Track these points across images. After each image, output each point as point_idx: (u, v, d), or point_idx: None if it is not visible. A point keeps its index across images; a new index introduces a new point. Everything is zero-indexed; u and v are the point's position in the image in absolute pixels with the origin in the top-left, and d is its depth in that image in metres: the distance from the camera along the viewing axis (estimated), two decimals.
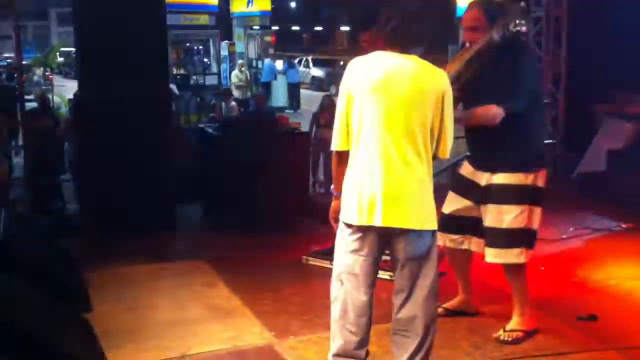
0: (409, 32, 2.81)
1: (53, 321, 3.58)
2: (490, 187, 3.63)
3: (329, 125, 10.23)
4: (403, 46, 2.80)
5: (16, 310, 3.24)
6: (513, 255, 3.64)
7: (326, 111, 10.07)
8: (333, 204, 3.01)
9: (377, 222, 2.75)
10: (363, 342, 2.92)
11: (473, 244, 3.83)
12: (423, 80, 2.77)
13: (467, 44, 3.57)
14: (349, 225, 2.83)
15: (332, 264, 4.59)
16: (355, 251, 2.83)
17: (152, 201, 5.89)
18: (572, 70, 8.87)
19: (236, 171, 6.24)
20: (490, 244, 3.67)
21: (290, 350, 3.68)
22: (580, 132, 8.50)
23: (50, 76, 24.54)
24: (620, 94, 8.31)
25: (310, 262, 5.12)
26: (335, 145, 2.89)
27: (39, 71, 24.48)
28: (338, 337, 2.93)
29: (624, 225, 6.19)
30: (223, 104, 13.40)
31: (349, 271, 2.86)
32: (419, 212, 2.79)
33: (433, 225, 2.86)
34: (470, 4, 3.64)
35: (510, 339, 3.73)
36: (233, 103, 13.21)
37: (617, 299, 4.50)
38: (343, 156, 2.88)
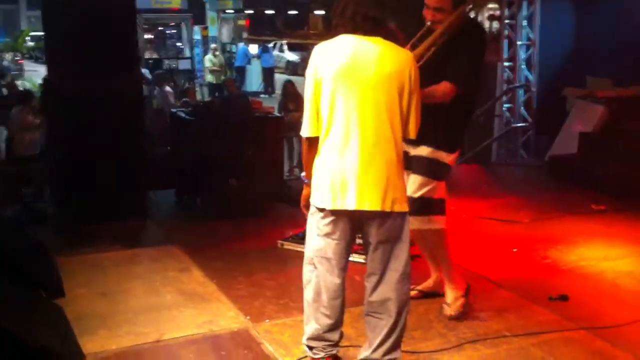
0: (367, 17, 2.78)
1: (24, 309, 3.53)
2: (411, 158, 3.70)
3: (299, 109, 10.37)
4: (365, 30, 2.79)
5: None
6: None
7: (289, 96, 10.09)
8: (304, 191, 3.01)
9: (350, 205, 2.76)
10: (337, 325, 2.95)
11: None
12: (389, 61, 2.77)
13: (428, 23, 3.54)
14: (320, 210, 2.84)
15: None
16: (327, 235, 2.85)
17: (124, 187, 5.82)
18: (544, 55, 8.95)
19: (209, 156, 6.19)
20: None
21: (266, 333, 3.68)
22: (553, 116, 8.59)
23: (21, 61, 24.16)
24: (592, 78, 8.41)
25: (286, 247, 5.12)
26: (306, 131, 2.88)
27: (8, 56, 24.07)
28: (312, 320, 2.96)
29: (595, 207, 6.28)
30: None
31: (321, 255, 2.88)
32: (391, 195, 2.79)
33: (405, 207, 2.87)
34: None
35: (455, 312, 3.81)
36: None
37: (588, 279, 4.56)
38: (313, 142, 2.88)
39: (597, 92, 8.14)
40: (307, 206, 2.97)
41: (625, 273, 4.66)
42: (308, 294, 2.96)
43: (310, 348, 3.02)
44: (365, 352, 2.99)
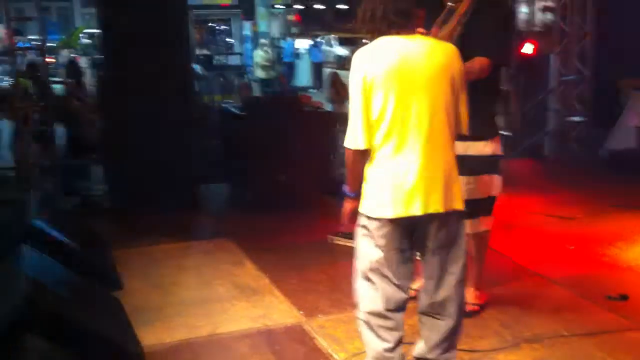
0: (398, 11, 2.67)
1: (85, 300, 3.62)
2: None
3: (345, 100, 10.26)
4: (399, 26, 2.67)
5: (47, 290, 3.27)
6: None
7: (336, 87, 10.05)
8: (347, 205, 2.85)
9: (414, 211, 2.63)
10: (399, 341, 2.78)
11: None
12: (437, 57, 2.68)
13: (449, 4, 3.47)
14: (377, 219, 2.67)
15: None
16: (386, 245, 2.68)
17: (178, 180, 5.92)
18: (598, 46, 8.72)
19: (260, 150, 6.23)
20: None
21: (319, 329, 3.68)
22: (608, 108, 8.37)
23: (78, 58, 24.70)
24: None
25: (336, 242, 5.11)
26: (355, 142, 2.67)
27: (64, 53, 24.62)
28: (374, 340, 2.77)
29: None
30: None
31: (380, 267, 2.70)
32: (450, 194, 2.69)
33: (462, 204, 2.76)
34: None
35: (467, 310, 3.64)
36: None
37: None
38: (363, 154, 2.70)
39: None
40: (350, 220, 2.83)
41: None
42: (366, 310, 2.77)
43: None
44: (420, 350, 2.91)
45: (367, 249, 2.72)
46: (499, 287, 4.23)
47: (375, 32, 2.72)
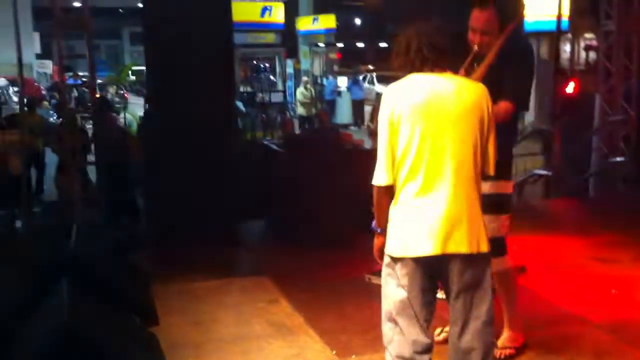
0: (433, 46, 2.68)
1: (122, 335, 3.66)
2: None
3: None
4: (433, 62, 2.68)
5: (85, 323, 3.31)
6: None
7: (375, 122, 10.08)
8: (377, 241, 2.86)
9: (436, 250, 2.60)
10: None
11: None
12: (467, 96, 2.68)
13: (475, 47, 3.45)
14: (400, 259, 2.67)
15: None
16: (409, 285, 2.67)
17: (217, 216, 5.98)
18: None
19: (299, 187, 6.26)
20: None
21: None
22: None
23: (126, 94, 25.41)
24: None
25: (373, 281, 5.08)
26: (380, 179, 2.70)
27: (112, 89, 25.34)
28: None
29: None
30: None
31: (403, 308, 2.69)
32: (475, 235, 2.65)
33: (487, 246, 2.71)
34: (483, 7, 3.45)
35: (502, 357, 3.64)
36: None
37: None
38: (388, 190, 2.71)
39: None
40: (380, 257, 2.82)
41: None
42: (394, 355, 2.74)
43: None
44: None
45: (392, 289, 2.72)
46: (539, 331, 4.13)
47: (408, 67, 2.73)
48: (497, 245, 3.40)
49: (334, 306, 4.60)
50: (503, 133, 3.33)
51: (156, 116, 6.32)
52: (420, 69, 2.70)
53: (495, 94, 3.29)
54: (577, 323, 4.24)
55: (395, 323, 2.72)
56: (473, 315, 2.71)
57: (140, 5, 7.88)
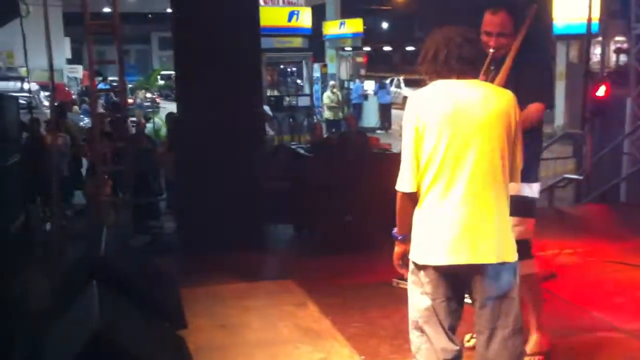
0: (460, 57, 2.63)
1: (151, 338, 3.69)
2: None
3: None
4: (460, 72, 2.65)
5: (115, 327, 3.35)
6: None
7: None
8: (397, 248, 2.82)
9: (462, 259, 2.56)
10: None
11: None
12: (494, 103, 2.62)
13: (491, 51, 3.38)
14: (424, 267, 2.64)
15: None
16: (434, 293, 2.64)
17: (245, 220, 6.00)
18: None
19: (326, 191, 6.26)
20: None
21: None
22: None
23: (158, 98, 25.67)
24: None
25: (401, 286, 5.06)
26: (403, 186, 2.66)
27: (141, 94, 25.61)
28: None
29: None
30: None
31: (429, 316, 2.66)
32: (504, 244, 2.61)
33: (515, 256, 2.67)
34: (497, 9, 3.42)
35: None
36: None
37: None
38: (411, 197, 2.67)
39: None
40: (401, 265, 2.80)
41: None
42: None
43: None
44: None
45: (417, 296, 2.70)
46: (569, 337, 4.08)
47: (434, 74, 2.70)
48: (523, 249, 3.31)
49: (361, 311, 4.58)
50: (527, 134, 3.28)
51: (185, 121, 6.37)
52: (447, 76, 2.67)
53: (524, 96, 3.23)
54: (608, 329, 4.17)
55: (422, 331, 2.69)
56: (500, 325, 2.66)
57: (169, 10, 7.94)
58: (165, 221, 8.02)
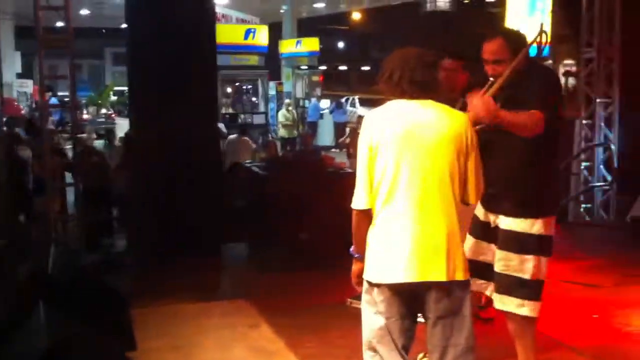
0: (413, 81, 2.68)
1: (97, 358, 3.59)
2: (497, 230, 3.44)
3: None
4: (412, 94, 2.69)
5: (62, 348, 3.25)
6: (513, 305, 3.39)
7: (354, 141, 10.12)
8: (355, 266, 2.84)
9: (412, 277, 2.58)
10: None
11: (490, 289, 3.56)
12: (445, 125, 2.67)
13: (491, 79, 3.37)
14: (377, 285, 2.64)
15: None
16: (387, 312, 2.64)
17: (199, 238, 5.93)
18: (624, 111, 8.71)
19: (281, 210, 6.24)
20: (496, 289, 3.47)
21: None
22: (635, 174, 8.30)
23: (113, 115, 25.32)
24: None
25: (355, 305, 5.04)
26: (357, 203, 2.70)
27: (92, 110, 25.21)
28: None
29: None
30: None
31: (382, 335, 2.66)
32: (452, 263, 2.62)
33: (466, 275, 2.68)
34: (492, 36, 3.40)
35: None
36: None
37: None
38: (366, 215, 2.70)
39: None
40: (359, 283, 2.79)
41: None
42: None
43: None
44: None
45: (370, 316, 2.69)
46: None
47: (390, 94, 2.74)
48: (517, 286, 3.34)
49: (315, 331, 4.55)
50: (527, 164, 3.28)
51: (138, 137, 6.28)
52: (400, 97, 2.71)
53: (521, 105, 3.19)
54: (559, 349, 4.22)
55: (375, 351, 2.69)
56: (452, 343, 2.67)
57: (124, 25, 7.86)
58: (118, 239, 7.87)
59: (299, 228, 6.24)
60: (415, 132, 2.63)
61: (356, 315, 4.84)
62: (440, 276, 2.59)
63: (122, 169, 7.81)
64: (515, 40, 3.37)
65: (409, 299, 2.65)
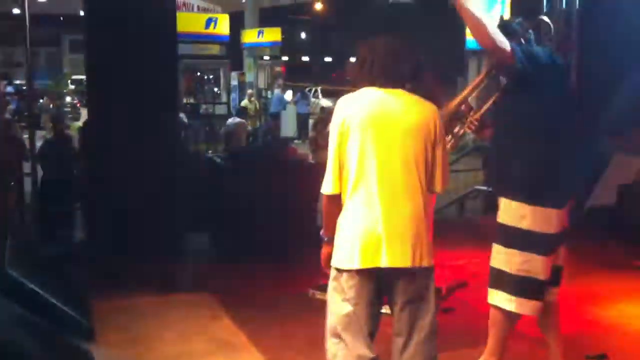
0: (382, 66, 2.77)
1: (55, 352, 3.53)
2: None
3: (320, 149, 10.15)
4: (382, 81, 2.77)
5: (17, 340, 3.19)
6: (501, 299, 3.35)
7: (321, 132, 10.09)
8: (324, 250, 2.88)
9: (380, 263, 2.65)
10: None
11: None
12: (413, 113, 2.75)
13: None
14: (346, 271, 2.69)
15: None
16: (354, 298, 2.69)
17: (160, 230, 5.86)
18: (582, 105, 8.84)
19: (243, 201, 6.21)
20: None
21: None
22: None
23: (79, 104, 24.82)
24: (630, 129, 8.28)
25: (317, 296, 5.06)
26: (328, 188, 2.76)
27: (46, 98, 24.69)
28: None
29: (636, 264, 6.10)
30: None
31: (348, 322, 2.70)
32: (419, 249, 2.69)
33: (430, 262, 2.75)
34: None
35: None
36: None
37: (628, 338, 4.42)
38: (336, 199, 2.76)
39: (636, 143, 8.00)
40: (328, 266, 2.82)
41: None
42: None
43: None
44: None
45: (337, 303, 2.73)
46: (479, 346, 4.17)
47: (359, 81, 2.81)
48: (499, 279, 3.31)
49: (277, 322, 4.55)
50: (514, 142, 3.22)
51: (96, 127, 6.17)
52: (372, 84, 2.78)
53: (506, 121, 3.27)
54: (518, 338, 4.28)
55: (340, 338, 2.71)
56: (417, 327, 2.75)
57: (82, 12, 7.70)
58: (77, 230, 7.74)
59: (262, 219, 6.21)
60: (383, 120, 2.70)
61: (318, 306, 4.86)
62: (408, 262, 2.66)
63: (79, 159, 7.66)
64: (509, 31, 3.26)
65: (377, 284, 2.70)
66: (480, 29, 3.03)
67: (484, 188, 9.15)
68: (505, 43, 3.07)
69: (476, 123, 3.33)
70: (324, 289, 5.04)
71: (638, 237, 6.61)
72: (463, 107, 3.34)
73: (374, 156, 2.68)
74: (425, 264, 2.71)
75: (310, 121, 20.33)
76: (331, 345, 2.76)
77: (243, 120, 13.15)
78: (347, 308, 2.69)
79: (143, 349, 4.13)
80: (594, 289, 5.36)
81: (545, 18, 3.51)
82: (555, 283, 3.48)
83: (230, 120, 13.05)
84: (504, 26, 3.25)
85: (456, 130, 3.34)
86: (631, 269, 5.97)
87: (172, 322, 4.62)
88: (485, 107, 3.39)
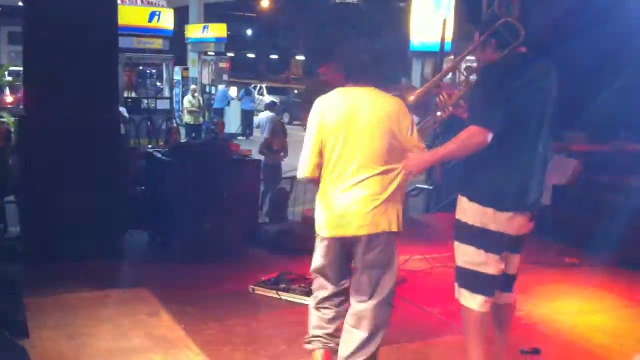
0: (373, 71, 3.31)
1: None
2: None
3: (285, 151, 10.25)
4: (364, 83, 3.29)
5: None
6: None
7: (278, 136, 10.08)
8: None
9: (343, 232, 3.24)
10: (333, 320, 3.41)
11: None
12: (378, 107, 3.24)
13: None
14: (320, 236, 3.35)
15: (278, 294, 4.65)
16: (325, 256, 3.35)
17: (97, 226, 5.75)
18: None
19: (184, 198, 6.14)
20: None
21: None
22: None
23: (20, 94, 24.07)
24: (567, 133, 8.54)
25: (257, 292, 5.06)
26: (304, 172, 3.34)
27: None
28: (314, 314, 3.45)
29: (568, 260, 6.30)
30: None
31: (320, 270, 3.40)
32: (377, 220, 3.20)
33: (392, 227, 3.22)
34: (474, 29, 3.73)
35: None
36: None
37: (561, 333, 4.56)
38: (313, 181, 3.36)
39: (571, 146, 8.26)
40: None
41: (597, 327, 4.67)
42: (315, 295, 3.47)
43: (311, 341, 3.43)
44: None
45: (316, 255, 3.41)
46: (418, 341, 4.26)
47: (335, 81, 3.45)
48: (461, 275, 3.43)
49: (217, 318, 4.52)
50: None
51: (33, 121, 6.00)
52: (345, 84, 3.32)
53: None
54: (454, 332, 4.38)
55: (319, 274, 3.42)
56: (377, 291, 3.27)
57: (20, 3, 7.49)
58: (11, 225, 7.53)
59: (203, 217, 6.15)
60: (354, 114, 3.22)
61: (257, 302, 4.89)
62: (362, 231, 3.21)
63: (15, 153, 7.44)
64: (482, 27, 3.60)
65: (343, 249, 3.31)
66: (462, 150, 3.25)
67: (425, 186, 9.32)
68: (480, 131, 3.15)
69: (451, 108, 3.59)
70: (263, 284, 5.09)
71: (571, 235, 6.83)
72: (443, 95, 3.57)
73: (345, 146, 3.21)
74: (381, 229, 3.20)
75: (255, 118, 20.29)
76: (313, 277, 3.51)
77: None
78: (321, 261, 3.37)
79: (78, 344, 4.05)
80: (527, 286, 5.49)
81: (512, 19, 3.45)
82: (509, 289, 3.57)
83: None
84: (488, 22, 3.56)
85: (439, 114, 3.66)
86: (563, 267, 6.17)
87: (108, 318, 4.53)
88: (457, 96, 3.60)
